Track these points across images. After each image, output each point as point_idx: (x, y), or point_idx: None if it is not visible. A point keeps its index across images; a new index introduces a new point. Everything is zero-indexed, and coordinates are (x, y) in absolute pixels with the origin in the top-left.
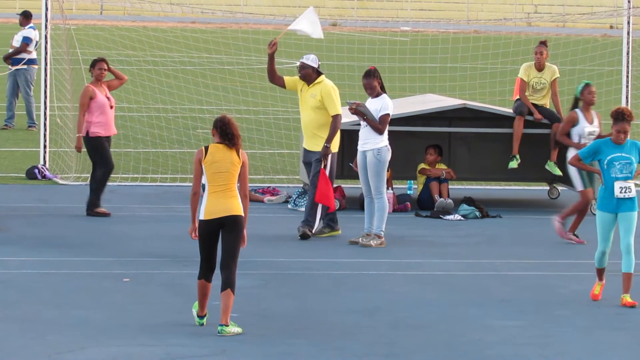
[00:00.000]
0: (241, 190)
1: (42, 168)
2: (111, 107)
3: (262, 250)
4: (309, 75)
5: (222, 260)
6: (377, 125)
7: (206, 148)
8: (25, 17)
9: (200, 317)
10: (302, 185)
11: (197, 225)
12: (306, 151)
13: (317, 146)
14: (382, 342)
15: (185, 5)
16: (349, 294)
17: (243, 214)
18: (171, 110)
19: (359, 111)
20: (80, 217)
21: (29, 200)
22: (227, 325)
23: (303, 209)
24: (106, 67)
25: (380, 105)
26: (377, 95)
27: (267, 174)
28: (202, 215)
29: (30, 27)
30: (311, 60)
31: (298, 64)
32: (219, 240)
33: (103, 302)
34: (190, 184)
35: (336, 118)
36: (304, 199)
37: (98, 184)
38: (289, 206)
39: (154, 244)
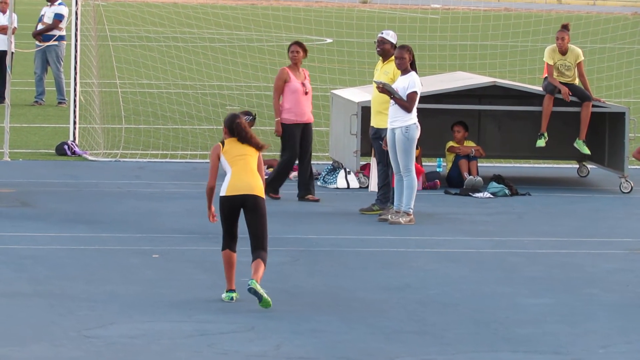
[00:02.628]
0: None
1: (72, 144)
2: (306, 93)
3: (291, 227)
4: (387, 50)
5: (254, 246)
6: (404, 104)
7: (222, 142)
8: None
9: (229, 291)
10: (331, 162)
11: (212, 210)
12: (372, 127)
13: (380, 123)
14: (411, 319)
15: None
16: (378, 271)
17: (264, 196)
18: (200, 87)
19: (386, 90)
20: (110, 193)
21: (59, 177)
22: (255, 281)
23: (332, 185)
24: (299, 50)
25: (407, 83)
26: (406, 72)
27: None
28: (225, 191)
29: (60, 4)
30: (390, 36)
31: (376, 38)
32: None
33: (132, 278)
34: None
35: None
36: (334, 176)
37: (279, 169)
38: (319, 183)
39: (184, 220)
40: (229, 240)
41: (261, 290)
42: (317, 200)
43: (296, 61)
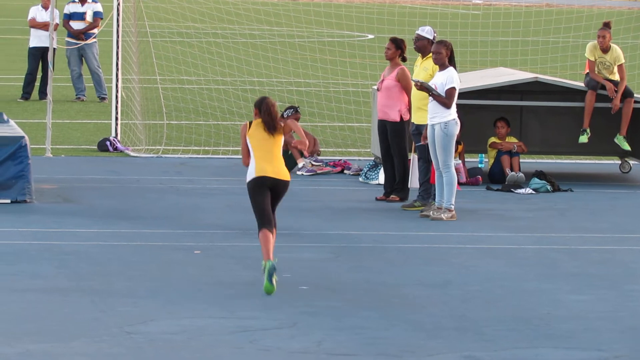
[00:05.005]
0: (301, 144)
1: (114, 140)
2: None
3: (332, 223)
4: (424, 47)
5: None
6: (443, 100)
7: (250, 123)
8: None
9: (268, 260)
10: (373, 158)
11: None
12: (412, 124)
13: (421, 119)
14: (452, 315)
15: None
16: (419, 267)
17: (289, 178)
18: (240, 83)
19: (424, 87)
20: (152, 189)
21: (101, 172)
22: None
23: (374, 182)
24: (389, 47)
25: (445, 79)
26: (444, 67)
27: (338, 147)
28: (254, 174)
29: (94, 1)
30: (426, 32)
31: (414, 35)
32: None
33: (174, 274)
34: None
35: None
36: (375, 172)
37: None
38: (360, 179)
39: (225, 216)
40: (265, 222)
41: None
42: (398, 201)
43: (387, 58)
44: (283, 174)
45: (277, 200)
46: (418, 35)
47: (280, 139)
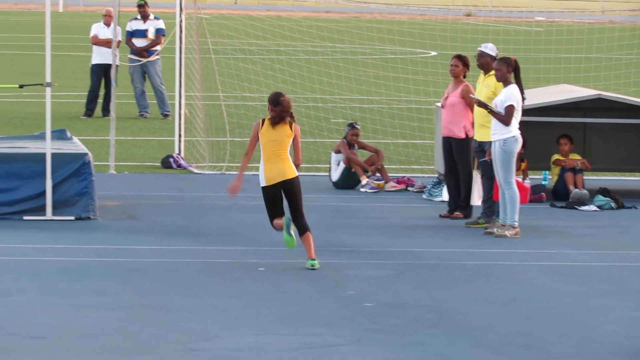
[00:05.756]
0: (295, 159)
1: (177, 157)
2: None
3: (396, 240)
4: (487, 63)
5: (295, 217)
6: (501, 117)
7: (263, 120)
8: (148, 6)
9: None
10: (437, 175)
11: (240, 182)
12: (475, 141)
13: (483, 136)
14: (517, 332)
15: None
16: (483, 285)
17: (297, 174)
18: (303, 100)
19: (482, 104)
20: (215, 206)
21: (164, 189)
22: (315, 259)
23: (438, 199)
24: (457, 64)
25: (506, 96)
26: (507, 84)
27: (402, 164)
28: (264, 182)
29: (156, 18)
30: (489, 48)
31: (476, 52)
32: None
33: (238, 290)
34: (325, 174)
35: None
36: (439, 189)
37: (469, 187)
38: (424, 196)
39: None
40: (276, 216)
41: (317, 265)
42: (462, 218)
43: (453, 75)
44: (288, 172)
45: (294, 197)
46: (480, 52)
47: (289, 141)
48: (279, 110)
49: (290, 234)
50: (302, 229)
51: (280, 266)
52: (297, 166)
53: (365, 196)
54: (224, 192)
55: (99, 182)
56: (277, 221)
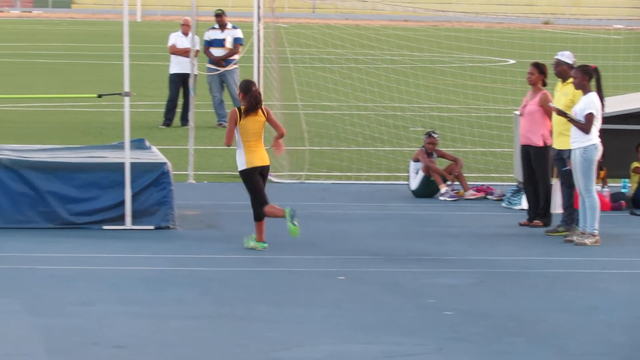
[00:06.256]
0: (279, 132)
1: None
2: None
3: (476, 249)
4: (564, 71)
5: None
6: (581, 125)
7: (239, 109)
8: (225, 15)
9: (262, 242)
10: (516, 183)
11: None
12: (553, 149)
13: (562, 144)
14: (598, 341)
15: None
16: (563, 293)
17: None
18: (381, 109)
19: (561, 113)
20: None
21: (244, 198)
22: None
23: (517, 207)
24: (533, 72)
25: (584, 104)
26: (586, 92)
27: (481, 172)
28: (244, 165)
29: (234, 27)
30: (566, 56)
31: (553, 60)
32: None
33: (318, 300)
34: (404, 182)
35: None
36: (518, 197)
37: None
38: (503, 204)
39: (369, 242)
40: (264, 201)
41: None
42: (541, 226)
43: (530, 82)
44: (266, 159)
45: (264, 182)
46: (558, 60)
47: (262, 125)
48: (250, 98)
49: (294, 224)
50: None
51: (360, 275)
52: (282, 135)
53: (444, 204)
54: (303, 201)
55: (178, 191)
56: (271, 209)
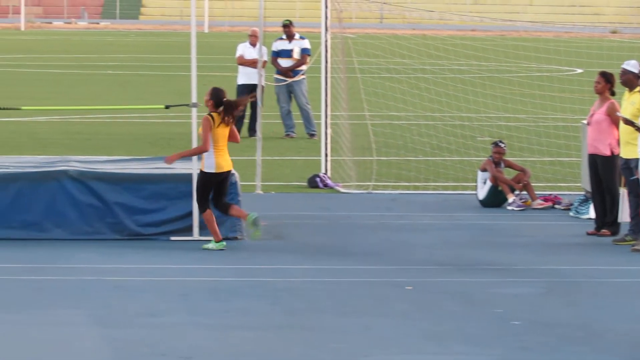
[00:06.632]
0: (236, 139)
1: (324, 176)
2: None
3: (544, 258)
4: (630, 81)
5: (221, 199)
6: None
7: (211, 116)
8: (293, 26)
9: (220, 241)
10: (583, 192)
11: (178, 158)
12: (621, 158)
13: (629, 153)
14: None
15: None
16: (631, 302)
17: None
18: (449, 119)
19: (628, 122)
20: (362, 225)
21: (311, 209)
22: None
23: (585, 216)
24: (599, 81)
25: None
26: None
27: (548, 182)
28: (214, 169)
29: (302, 38)
30: (632, 65)
31: (620, 69)
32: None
33: (386, 310)
34: (472, 192)
35: None
36: (586, 206)
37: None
38: (571, 214)
39: (437, 251)
40: (208, 203)
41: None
42: (609, 235)
43: (596, 92)
44: (231, 163)
45: (227, 184)
46: (624, 70)
47: (228, 131)
48: (229, 109)
49: (259, 229)
50: (228, 205)
51: (427, 285)
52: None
53: (511, 214)
54: (371, 211)
55: (245, 202)
56: (208, 213)
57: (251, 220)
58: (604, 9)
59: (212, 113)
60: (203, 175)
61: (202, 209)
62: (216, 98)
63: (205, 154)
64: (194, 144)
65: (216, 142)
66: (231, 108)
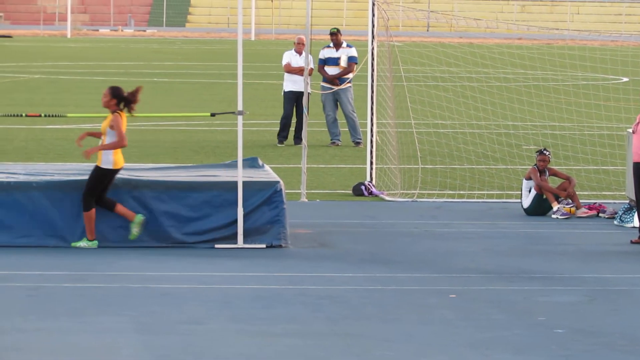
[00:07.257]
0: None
1: (369, 184)
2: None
3: (588, 266)
4: None
5: (106, 199)
6: None
7: (121, 114)
8: (340, 34)
9: (93, 240)
10: (628, 201)
11: (95, 151)
12: None
13: None
14: None
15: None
16: None
17: None
18: (494, 127)
19: None
20: (407, 233)
21: (356, 217)
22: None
23: (629, 225)
24: None
25: None
26: None
27: (593, 190)
28: (112, 165)
29: (349, 46)
30: None
31: None
32: None
33: (429, 318)
34: (517, 200)
35: None
36: (630, 215)
37: None
38: (615, 222)
39: (481, 259)
40: (94, 201)
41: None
42: None
43: None
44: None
45: (112, 182)
46: None
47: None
48: (132, 104)
49: (140, 231)
50: (114, 202)
51: (471, 293)
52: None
53: (556, 222)
54: (415, 219)
55: (290, 210)
56: (93, 212)
57: (139, 220)
58: None
59: (118, 111)
60: (100, 170)
61: (88, 206)
62: (118, 96)
63: (103, 151)
64: (240, 152)
65: (120, 140)
66: (133, 100)
